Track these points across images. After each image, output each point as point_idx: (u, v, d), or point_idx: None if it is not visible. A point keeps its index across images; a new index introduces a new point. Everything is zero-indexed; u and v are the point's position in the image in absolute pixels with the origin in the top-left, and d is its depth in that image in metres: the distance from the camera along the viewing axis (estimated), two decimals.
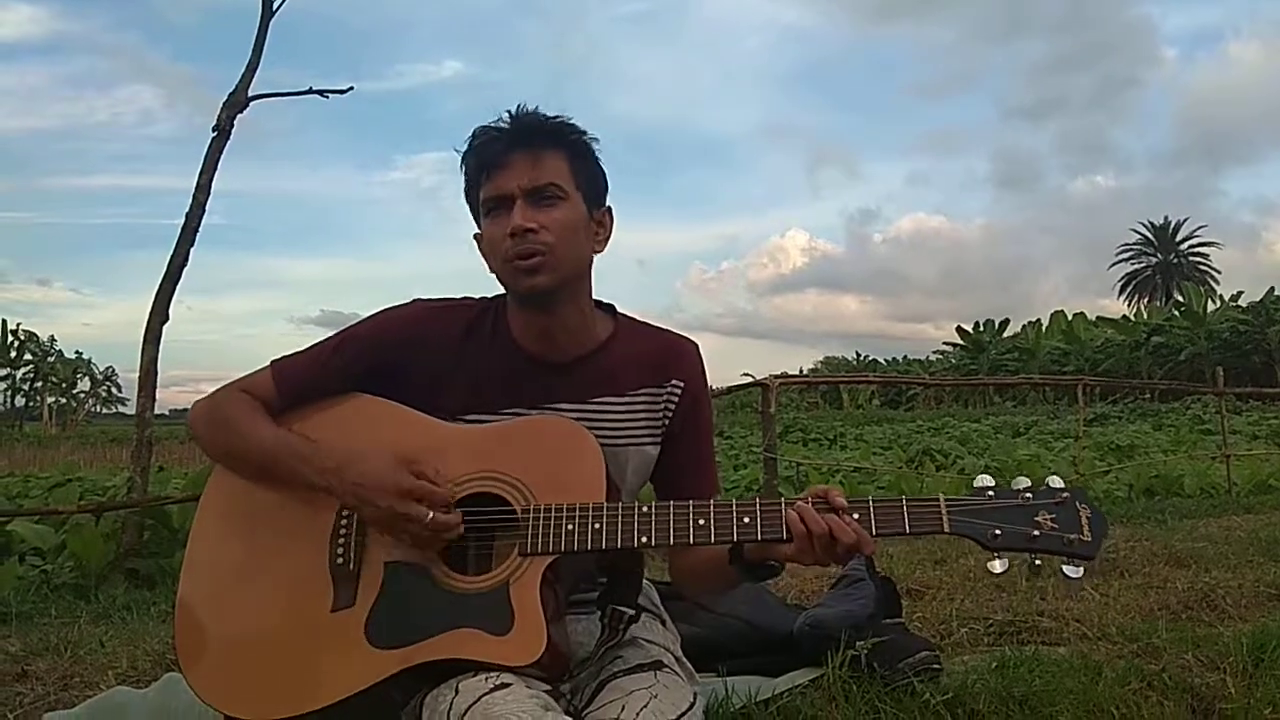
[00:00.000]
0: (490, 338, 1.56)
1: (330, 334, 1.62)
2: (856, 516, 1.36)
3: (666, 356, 1.61)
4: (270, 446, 1.49)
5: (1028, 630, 2.68)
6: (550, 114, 1.51)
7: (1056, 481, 1.38)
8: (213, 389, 1.61)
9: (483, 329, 1.57)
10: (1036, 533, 1.34)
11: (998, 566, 1.35)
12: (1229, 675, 2.06)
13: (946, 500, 1.37)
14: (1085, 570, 1.34)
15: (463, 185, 1.54)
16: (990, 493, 1.37)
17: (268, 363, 1.59)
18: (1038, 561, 1.35)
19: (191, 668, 1.47)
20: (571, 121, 1.52)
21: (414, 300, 1.62)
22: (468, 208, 1.56)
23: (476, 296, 1.62)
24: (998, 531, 1.34)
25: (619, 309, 1.64)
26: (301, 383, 1.56)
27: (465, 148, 1.52)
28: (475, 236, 1.56)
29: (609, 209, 1.58)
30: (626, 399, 1.57)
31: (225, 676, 1.45)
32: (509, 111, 1.50)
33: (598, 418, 1.54)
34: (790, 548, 1.36)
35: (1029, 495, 1.36)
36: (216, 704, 1.44)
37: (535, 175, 1.47)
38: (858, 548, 1.35)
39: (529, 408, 1.53)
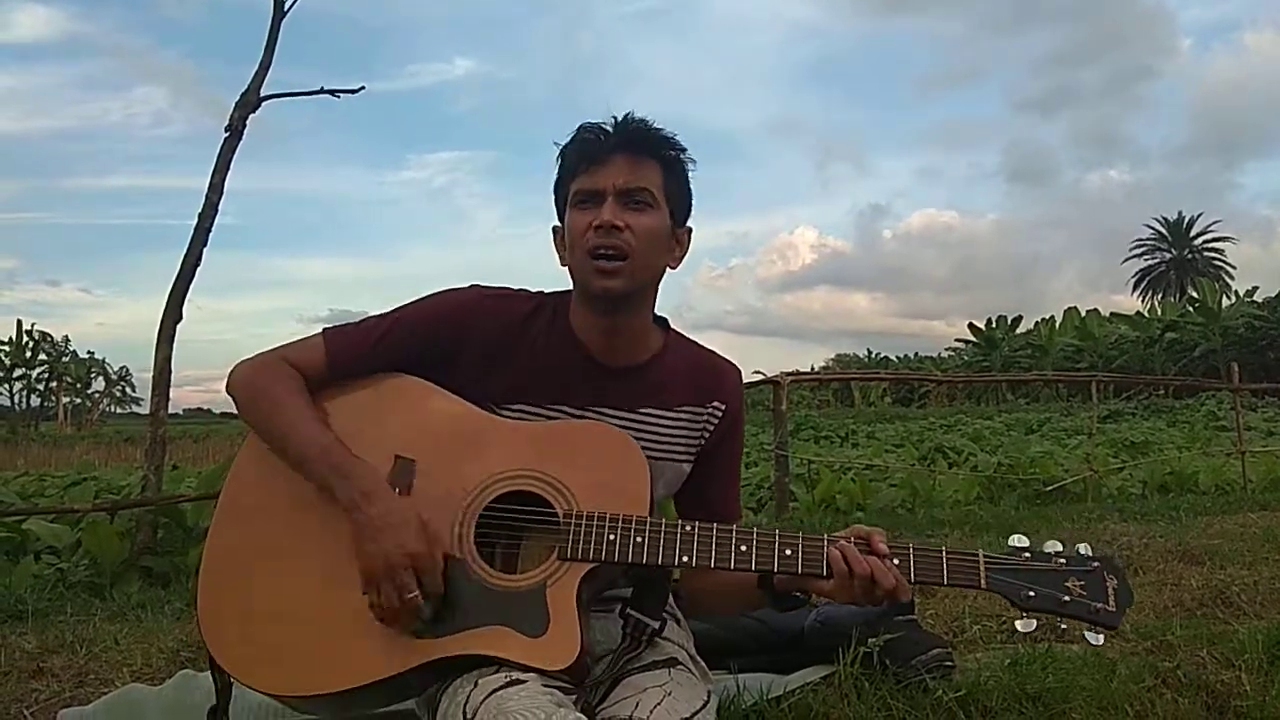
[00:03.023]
0: (548, 331, 1.56)
1: (384, 311, 1.60)
2: (897, 563, 1.38)
3: (711, 377, 1.64)
4: (307, 445, 1.46)
5: (1041, 627, 2.66)
6: (657, 126, 1.52)
7: (1085, 549, 1.42)
8: (257, 353, 1.57)
9: (540, 321, 1.57)
10: (1067, 598, 1.38)
11: (1026, 626, 1.39)
12: (1244, 672, 2.05)
13: (985, 557, 1.40)
14: (1105, 639, 1.37)
15: (555, 176, 1.55)
16: (1025, 554, 1.41)
17: (319, 331, 1.58)
18: (1063, 625, 1.39)
19: (214, 636, 1.45)
20: (675, 138, 1.53)
21: (472, 285, 1.60)
22: (553, 199, 1.56)
23: (534, 290, 1.61)
24: (1031, 593, 1.38)
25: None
26: (352, 358, 1.55)
27: (568, 139, 1.53)
28: (554, 229, 1.56)
29: (689, 229, 1.60)
30: (672, 414, 1.59)
31: (249, 648, 1.43)
32: (614, 116, 1.51)
33: (643, 428, 1.55)
34: (829, 584, 1.38)
35: (1062, 560, 1.40)
36: (236, 673, 1.44)
37: (631, 178, 1.48)
38: (895, 594, 1.36)
39: (577, 407, 1.53)
